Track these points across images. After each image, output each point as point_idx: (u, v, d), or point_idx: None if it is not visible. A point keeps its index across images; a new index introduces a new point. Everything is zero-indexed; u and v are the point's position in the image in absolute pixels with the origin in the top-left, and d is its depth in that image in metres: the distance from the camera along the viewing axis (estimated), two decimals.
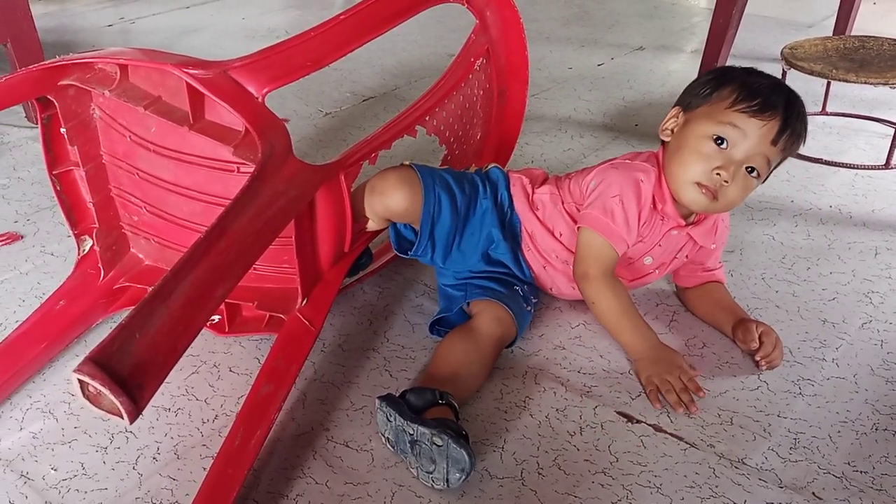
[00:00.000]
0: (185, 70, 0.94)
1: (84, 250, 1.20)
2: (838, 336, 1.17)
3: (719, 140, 1.05)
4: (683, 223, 1.13)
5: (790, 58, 1.70)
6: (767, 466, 0.95)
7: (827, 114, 1.91)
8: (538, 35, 2.57)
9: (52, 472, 0.98)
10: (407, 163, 1.15)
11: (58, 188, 1.14)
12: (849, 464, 0.95)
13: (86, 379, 0.61)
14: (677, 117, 1.11)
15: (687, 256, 1.18)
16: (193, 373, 1.13)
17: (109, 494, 0.94)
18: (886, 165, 1.66)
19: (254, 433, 0.94)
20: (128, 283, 1.20)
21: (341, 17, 1.07)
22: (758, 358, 1.08)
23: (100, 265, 1.19)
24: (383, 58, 2.40)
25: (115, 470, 0.98)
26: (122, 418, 0.63)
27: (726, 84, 1.07)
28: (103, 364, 0.63)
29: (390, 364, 1.14)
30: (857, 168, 1.66)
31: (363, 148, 1.10)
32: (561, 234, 1.16)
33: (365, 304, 1.27)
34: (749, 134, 1.04)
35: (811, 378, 1.09)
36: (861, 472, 0.94)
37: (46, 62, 1.00)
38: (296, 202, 0.94)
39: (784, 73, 1.72)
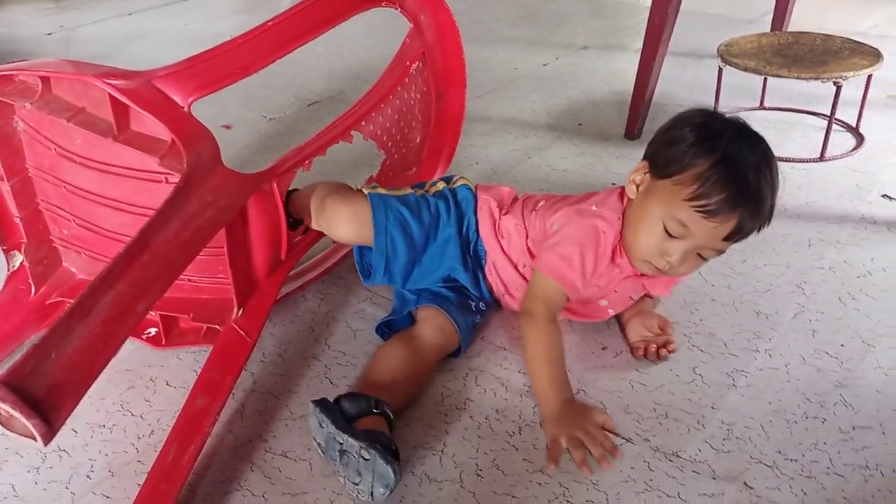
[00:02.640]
0: (107, 81, 0.93)
1: (14, 266, 1.18)
2: (771, 327, 1.19)
3: (670, 231, 1.02)
4: (640, 273, 1.11)
5: (725, 55, 1.73)
6: (701, 458, 0.96)
7: (765, 108, 1.95)
8: (484, 36, 2.58)
9: None
10: (365, 191, 1.14)
11: None
12: (779, 452, 0.97)
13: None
14: (643, 174, 1.06)
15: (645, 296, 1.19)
16: (129, 388, 1.11)
17: None
18: (821, 158, 1.70)
19: (187, 448, 0.93)
20: (60, 299, 1.18)
21: (269, 23, 1.06)
22: (639, 355, 1.12)
23: (30, 281, 1.16)
24: (330, 61, 2.39)
25: (47, 490, 0.96)
26: (36, 441, 0.61)
27: (697, 162, 0.99)
28: (15, 387, 0.62)
29: (331, 371, 1.14)
30: (793, 161, 1.70)
31: (296, 155, 1.09)
32: (524, 267, 1.16)
33: (306, 312, 1.26)
34: (699, 234, 1.00)
35: (744, 369, 1.11)
36: (791, 460, 0.96)
37: None
38: (224, 212, 0.93)
39: (720, 70, 1.75)
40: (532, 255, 1.15)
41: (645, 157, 1.08)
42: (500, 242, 1.17)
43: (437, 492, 0.94)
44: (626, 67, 2.28)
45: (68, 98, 1.01)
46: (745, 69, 1.67)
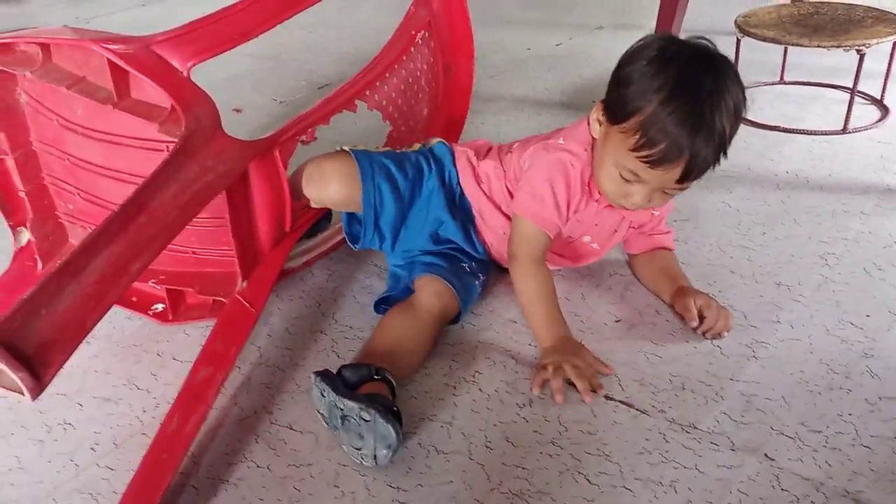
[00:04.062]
0: (106, 46, 0.91)
1: (21, 242, 1.17)
2: (793, 299, 1.15)
3: (624, 177, 1.00)
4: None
5: (743, 25, 1.69)
6: (719, 430, 0.93)
7: (784, 83, 1.90)
8: (496, 18, 2.55)
9: None
10: (345, 148, 1.12)
11: None
12: (802, 423, 0.93)
13: None
14: (600, 118, 1.04)
15: (632, 228, 1.16)
16: (136, 362, 1.10)
17: (45, 487, 0.91)
18: (844, 130, 1.65)
19: (189, 418, 0.91)
20: None
21: None
22: (700, 332, 1.06)
23: (37, 256, 1.15)
24: (341, 46, 2.38)
25: (52, 462, 0.95)
26: (24, 395, 0.59)
27: (640, 106, 0.95)
28: (4, 341, 0.60)
29: (338, 345, 1.11)
30: (814, 134, 1.65)
31: (299, 122, 1.07)
32: (507, 207, 1.14)
33: (314, 287, 1.24)
34: (651, 180, 0.99)
35: (765, 341, 1.07)
36: (815, 431, 0.92)
37: None
38: (223, 177, 0.91)
39: (738, 42, 1.70)
40: (510, 194, 1.13)
41: (606, 98, 1.04)
42: (481, 188, 1.16)
43: (445, 463, 0.91)
44: None
45: (69, 67, 1.00)
46: (764, 39, 1.62)
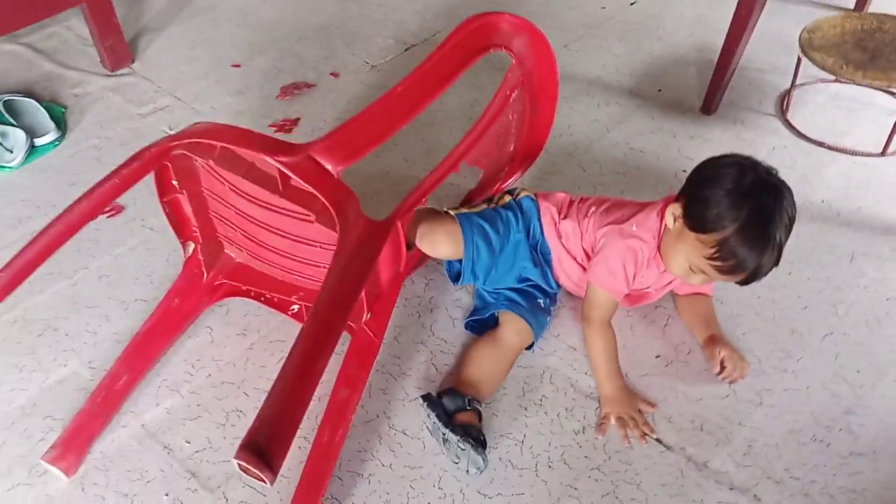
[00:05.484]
0: (277, 158, 1.16)
1: (188, 253, 1.46)
2: (802, 347, 1.42)
3: (692, 269, 1.26)
4: None
5: (806, 45, 1.82)
6: (724, 469, 1.25)
7: (840, 81, 2.03)
8: None
9: (187, 444, 1.31)
10: (451, 213, 1.39)
11: (167, 211, 1.38)
12: (787, 470, 1.25)
13: (244, 464, 0.90)
14: (676, 217, 1.27)
15: None
16: (281, 359, 1.43)
17: (231, 467, 1.27)
18: (883, 153, 1.83)
19: (337, 431, 1.25)
20: (224, 281, 1.48)
21: (398, 88, 1.26)
22: (720, 378, 1.36)
23: (203, 269, 1.45)
24: None
25: (234, 445, 1.27)
26: (265, 482, 0.93)
27: (720, 227, 1.19)
28: (256, 450, 0.92)
29: (436, 358, 1.43)
30: (855, 154, 1.83)
31: (414, 195, 1.32)
32: (582, 260, 1.42)
33: (413, 296, 1.54)
34: (715, 277, 1.25)
35: (772, 388, 1.36)
36: (795, 477, 1.24)
37: (162, 144, 1.21)
38: (371, 260, 1.18)
39: (799, 60, 1.84)
40: (586, 254, 1.40)
41: (682, 195, 1.29)
42: (560, 241, 1.44)
43: (518, 478, 1.25)
44: (713, 13, 2.33)
45: (241, 153, 1.25)
46: (823, 67, 1.77)
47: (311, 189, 1.16)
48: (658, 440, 1.29)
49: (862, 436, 1.29)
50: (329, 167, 1.20)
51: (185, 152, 1.23)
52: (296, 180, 1.18)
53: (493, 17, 1.36)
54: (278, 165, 1.17)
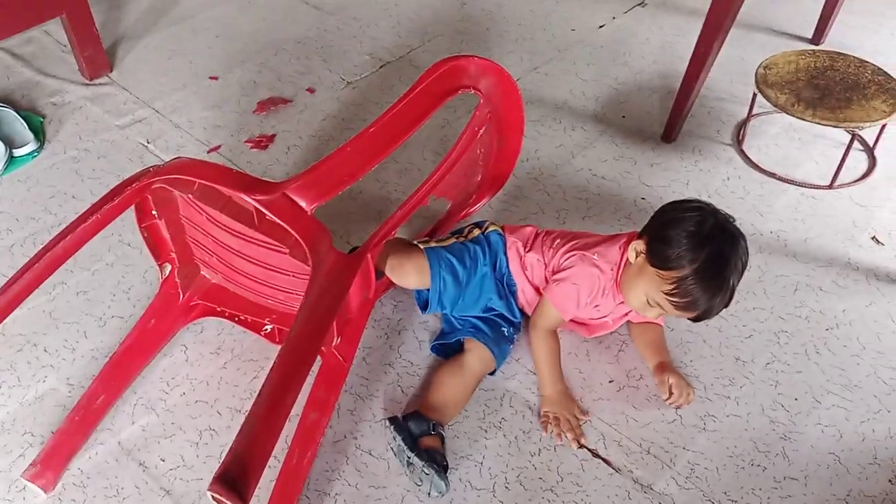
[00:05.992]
0: (254, 197, 1.22)
1: (165, 274, 1.52)
2: (744, 375, 1.52)
3: (649, 302, 1.35)
4: None
5: (762, 82, 1.91)
6: (668, 491, 1.34)
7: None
8: None
9: (161, 462, 1.37)
10: (421, 246, 1.46)
11: (145, 235, 1.44)
12: (725, 493, 1.34)
13: (217, 496, 0.97)
14: (639, 253, 1.36)
15: None
16: (254, 378, 1.50)
17: (204, 485, 1.34)
18: (830, 185, 1.93)
19: (305, 453, 1.32)
20: (199, 301, 1.54)
21: (370, 128, 1.32)
22: (668, 404, 1.45)
23: (179, 290, 1.51)
24: (400, 3, 2.55)
25: (206, 463, 1.37)
26: None
27: (679, 266, 1.29)
28: (229, 482, 0.98)
29: (402, 380, 1.50)
30: (804, 186, 1.93)
31: (384, 228, 1.39)
32: (544, 289, 1.50)
33: (382, 318, 1.61)
34: (671, 311, 1.34)
35: (715, 414, 1.46)
36: (732, 500, 1.33)
37: (143, 180, 1.27)
38: (343, 292, 1.25)
39: (754, 96, 1.94)
40: (548, 282, 1.49)
41: (644, 233, 1.39)
42: (525, 274, 1.52)
43: (477, 498, 1.33)
44: (677, 40, 2.42)
45: (219, 189, 1.31)
46: (776, 105, 1.86)
47: (287, 227, 1.23)
48: (607, 462, 1.38)
49: (795, 461, 1.39)
50: (303, 204, 1.26)
51: (164, 186, 1.29)
52: (271, 217, 1.24)
53: (462, 60, 1.43)
54: (255, 203, 1.23)
